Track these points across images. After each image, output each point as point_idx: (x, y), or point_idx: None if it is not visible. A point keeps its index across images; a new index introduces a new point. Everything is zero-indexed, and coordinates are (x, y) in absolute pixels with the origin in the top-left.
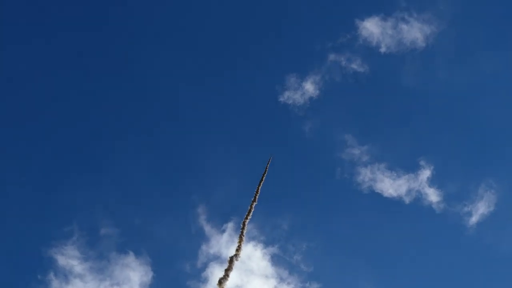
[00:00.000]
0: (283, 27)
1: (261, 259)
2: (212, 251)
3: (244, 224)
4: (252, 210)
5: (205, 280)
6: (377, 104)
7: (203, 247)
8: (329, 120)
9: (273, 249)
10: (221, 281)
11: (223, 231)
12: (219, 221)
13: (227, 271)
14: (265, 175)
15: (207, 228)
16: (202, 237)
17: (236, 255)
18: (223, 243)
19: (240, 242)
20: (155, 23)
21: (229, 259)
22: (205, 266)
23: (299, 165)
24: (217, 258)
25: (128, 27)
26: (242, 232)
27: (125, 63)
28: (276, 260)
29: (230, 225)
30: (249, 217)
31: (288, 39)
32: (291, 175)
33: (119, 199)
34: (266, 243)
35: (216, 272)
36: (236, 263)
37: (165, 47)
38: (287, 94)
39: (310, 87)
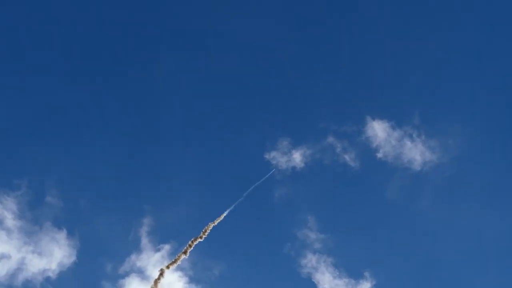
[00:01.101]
0: (296, 90)
1: None
2: (139, 264)
3: (162, 271)
4: (178, 262)
5: None
6: (352, 202)
7: (133, 256)
8: (300, 195)
9: None
10: None
11: (158, 250)
12: (158, 239)
13: None
14: (203, 237)
15: (145, 241)
16: (136, 247)
17: None
18: (152, 261)
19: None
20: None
21: None
22: (126, 274)
23: (255, 223)
24: (141, 272)
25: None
26: (158, 278)
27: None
28: None
29: (166, 247)
30: (171, 267)
31: (296, 103)
32: (244, 228)
33: (75, 175)
34: (192, 280)
35: (133, 285)
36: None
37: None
38: (274, 154)
39: (298, 157)
